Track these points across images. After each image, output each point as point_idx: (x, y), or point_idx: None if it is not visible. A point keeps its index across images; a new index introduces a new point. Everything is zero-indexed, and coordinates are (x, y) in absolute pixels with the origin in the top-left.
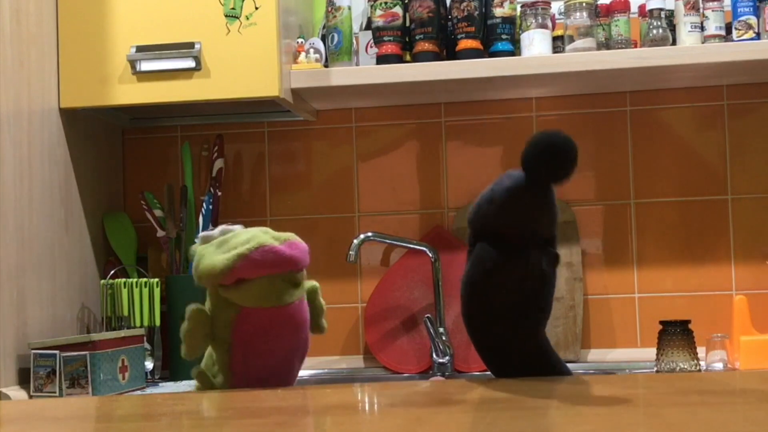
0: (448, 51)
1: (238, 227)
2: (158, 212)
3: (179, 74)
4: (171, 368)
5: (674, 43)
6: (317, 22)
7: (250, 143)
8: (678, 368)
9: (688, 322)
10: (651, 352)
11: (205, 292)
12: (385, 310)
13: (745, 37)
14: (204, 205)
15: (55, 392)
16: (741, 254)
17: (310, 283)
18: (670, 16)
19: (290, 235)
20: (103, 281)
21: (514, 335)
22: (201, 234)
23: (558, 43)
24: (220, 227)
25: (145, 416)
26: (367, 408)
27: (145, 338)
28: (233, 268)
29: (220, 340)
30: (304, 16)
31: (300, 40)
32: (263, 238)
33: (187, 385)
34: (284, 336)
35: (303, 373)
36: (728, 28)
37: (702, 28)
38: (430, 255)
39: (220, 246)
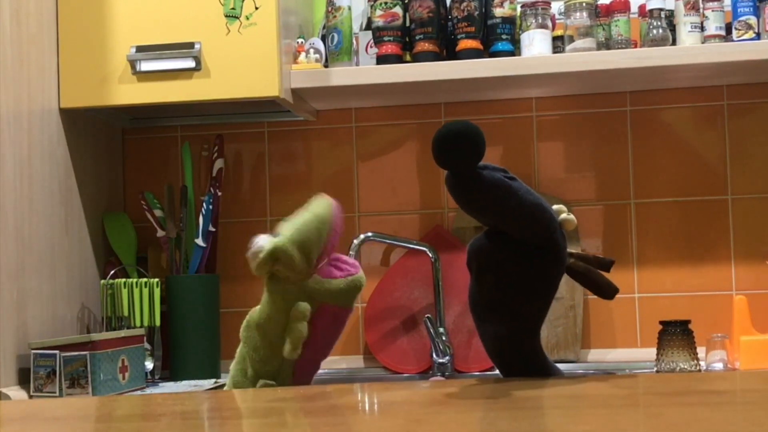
0: (448, 51)
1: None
2: (158, 212)
3: (179, 74)
4: (171, 368)
5: (674, 43)
6: (317, 22)
7: (250, 143)
8: (678, 368)
9: (688, 322)
10: (651, 352)
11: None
12: (385, 310)
13: (745, 37)
14: (204, 205)
15: (55, 392)
16: (741, 254)
17: None
18: (670, 16)
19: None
20: (103, 281)
21: (510, 330)
22: (254, 250)
23: (558, 43)
24: (258, 237)
25: (145, 416)
26: (367, 408)
27: (145, 338)
28: (331, 214)
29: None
30: (304, 16)
31: (300, 40)
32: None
33: (187, 385)
34: (339, 333)
35: None
36: (728, 28)
37: (702, 28)
38: (430, 255)
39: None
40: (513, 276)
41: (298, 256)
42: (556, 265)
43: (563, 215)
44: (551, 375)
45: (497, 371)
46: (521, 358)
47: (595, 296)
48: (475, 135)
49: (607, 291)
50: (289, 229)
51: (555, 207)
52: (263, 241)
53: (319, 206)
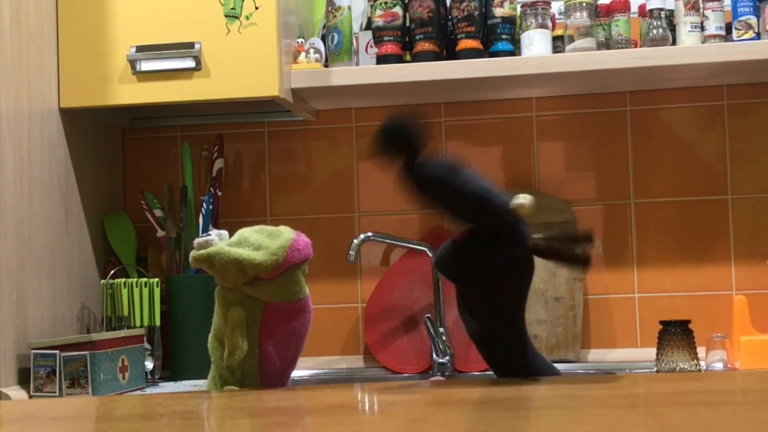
0: (448, 51)
1: (224, 232)
2: (158, 212)
3: (179, 74)
4: (171, 368)
5: (674, 43)
6: (317, 22)
7: (250, 143)
8: (678, 368)
9: (688, 322)
10: (651, 352)
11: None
12: (385, 310)
13: (745, 37)
14: (204, 205)
15: (55, 392)
16: (741, 254)
17: None
18: (670, 16)
19: (285, 228)
20: (103, 281)
21: (491, 320)
22: (199, 240)
23: (558, 43)
24: (214, 231)
25: (145, 416)
26: (367, 408)
27: (145, 338)
28: (284, 259)
29: (252, 339)
30: (304, 16)
31: (300, 40)
32: (284, 230)
33: (187, 385)
34: (303, 325)
35: (303, 372)
36: (728, 28)
37: (702, 28)
38: (430, 255)
39: (257, 247)
40: (478, 274)
41: (233, 271)
42: (514, 252)
43: (514, 201)
44: (540, 371)
45: None
46: (503, 353)
47: (595, 296)
48: (404, 132)
49: (577, 260)
50: (242, 243)
51: (523, 195)
52: (216, 237)
53: (279, 243)
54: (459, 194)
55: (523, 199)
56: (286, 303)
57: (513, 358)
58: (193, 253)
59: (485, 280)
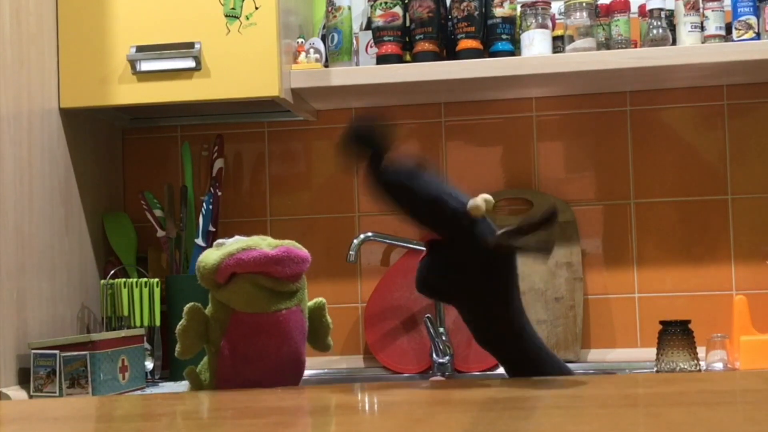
0: (448, 51)
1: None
2: (158, 212)
3: (179, 74)
4: (171, 368)
5: (674, 43)
6: (317, 22)
7: (250, 143)
8: (678, 368)
9: (688, 322)
10: (651, 352)
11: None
12: (385, 310)
13: (745, 37)
14: (204, 205)
15: (55, 392)
16: (741, 254)
17: (317, 300)
18: (670, 16)
19: (288, 242)
20: (103, 281)
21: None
22: (217, 241)
23: (558, 43)
24: (235, 237)
25: (145, 416)
26: (367, 408)
27: (145, 338)
28: (221, 265)
29: (214, 343)
30: (304, 16)
31: (300, 40)
32: (256, 242)
33: (187, 385)
34: (271, 344)
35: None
36: (728, 28)
37: (702, 28)
38: None
39: (219, 248)
40: (455, 284)
41: (199, 274)
42: (479, 254)
43: (470, 203)
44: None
45: (497, 371)
46: (511, 350)
47: (595, 296)
48: (364, 137)
49: (539, 249)
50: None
51: (480, 196)
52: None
53: (231, 248)
54: (417, 199)
55: (479, 200)
56: (248, 314)
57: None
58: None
59: (465, 290)
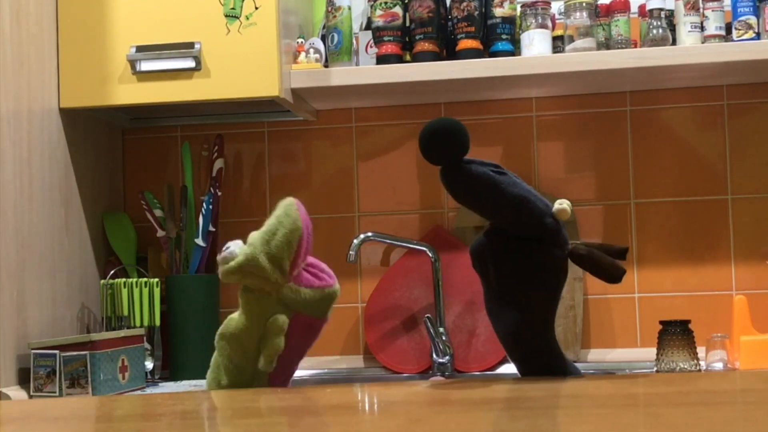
0: (448, 51)
1: (239, 242)
2: (158, 212)
3: (179, 74)
4: (171, 368)
5: (674, 43)
6: (317, 22)
7: (250, 143)
8: (678, 368)
9: (688, 322)
10: (651, 352)
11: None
12: (385, 310)
13: (745, 37)
14: (204, 205)
15: (55, 392)
16: (741, 254)
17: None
18: (670, 16)
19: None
20: (103, 281)
21: (522, 323)
22: (224, 255)
23: (558, 43)
24: (231, 243)
25: (145, 416)
26: (367, 408)
27: (145, 338)
28: (299, 215)
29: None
30: (304, 16)
31: (300, 40)
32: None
33: (187, 385)
34: (308, 345)
35: (303, 372)
36: (728, 28)
37: (702, 28)
38: (430, 255)
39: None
40: (514, 270)
41: (270, 267)
42: (554, 254)
43: (557, 205)
44: (566, 372)
45: (497, 371)
46: (534, 353)
47: (595, 296)
48: (457, 131)
49: (613, 273)
50: (258, 239)
51: (560, 200)
52: (235, 247)
53: (286, 213)
54: (504, 195)
55: (565, 205)
56: (315, 318)
57: (542, 359)
58: (223, 269)
59: (523, 276)
